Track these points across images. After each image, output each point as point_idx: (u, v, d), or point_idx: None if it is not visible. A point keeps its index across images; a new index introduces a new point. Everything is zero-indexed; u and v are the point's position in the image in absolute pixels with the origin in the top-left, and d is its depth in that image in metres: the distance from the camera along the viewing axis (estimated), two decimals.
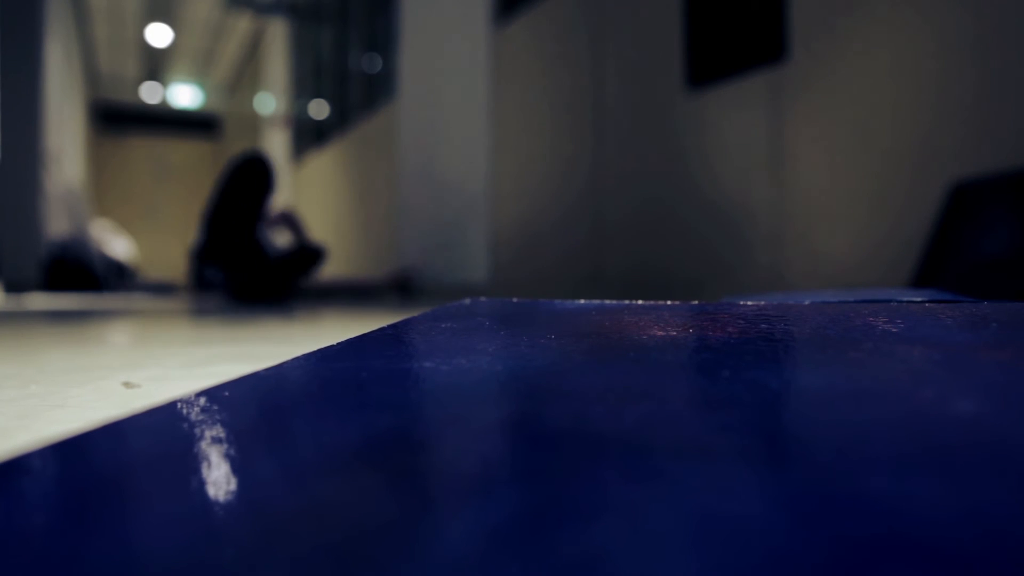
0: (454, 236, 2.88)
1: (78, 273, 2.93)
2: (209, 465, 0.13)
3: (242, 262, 2.16)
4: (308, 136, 5.16)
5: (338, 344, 0.27)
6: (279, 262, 2.20)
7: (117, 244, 3.84)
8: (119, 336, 0.81)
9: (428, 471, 0.13)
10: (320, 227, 4.76)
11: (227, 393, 0.20)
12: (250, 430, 0.16)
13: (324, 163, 4.73)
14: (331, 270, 4.40)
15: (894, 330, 0.26)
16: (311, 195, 5.03)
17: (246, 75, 7.12)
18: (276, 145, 5.86)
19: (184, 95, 8.30)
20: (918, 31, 1.26)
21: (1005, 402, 0.16)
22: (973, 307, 0.32)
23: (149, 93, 8.17)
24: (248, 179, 2.20)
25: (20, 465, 0.14)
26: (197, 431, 0.16)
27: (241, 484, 0.12)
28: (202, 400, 0.19)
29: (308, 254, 2.28)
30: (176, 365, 0.51)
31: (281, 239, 2.41)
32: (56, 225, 2.97)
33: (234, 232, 2.16)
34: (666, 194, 1.82)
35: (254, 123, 6.71)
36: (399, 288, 3.06)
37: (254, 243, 2.17)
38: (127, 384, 0.42)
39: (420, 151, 3.20)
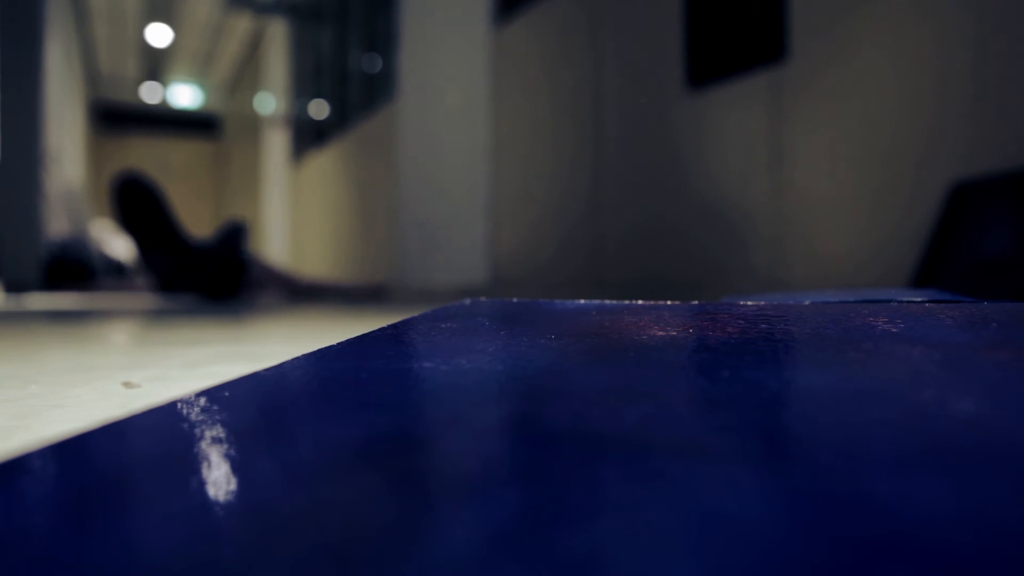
0: (454, 236, 2.88)
1: (78, 273, 2.93)
2: (209, 465, 0.13)
3: (173, 254, 2.20)
4: (308, 136, 5.16)
5: (338, 344, 0.27)
6: (211, 247, 2.23)
7: (117, 244, 3.84)
8: (119, 336, 0.80)
9: (428, 471, 0.13)
10: (319, 227, 4.76)
11: (227, 393, 0.20)
12: (250, 430, 0.16)
13: (324, 163, 4.74)
14: (330, 270, 4.40)
15: (894, 330, 0.26)
16: (310, 195, 5.03)
17: (246, 75, 7.13)
18: (276, 145, 5.86)
19: (184, 95, 8.30)
20: (918, 31, 1.26)
21: (1005, 402, 0.16)
22: (973, 307, 0.32)
23: (149, 93, 8.17)
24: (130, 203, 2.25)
25: (20, 465, 0.14)
26: (197, 431, 0.16)
27: (241, 484, 0.12)
28: (202, 400, 0.19)
29: (230, 235, 2.30)
30: (176, 365, 0.51)
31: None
32: (56, 225, 2.96)
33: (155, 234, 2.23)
34: (666, 194, 1.82)
35: (254, 123, 6.71)
36: (373, 295, 3.06)
37: (175, 236, 2.22)
38: (127, 384, 0.42)
39: (420, 151, 3.20)
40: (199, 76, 8.04)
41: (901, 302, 0.36)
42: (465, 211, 2.80)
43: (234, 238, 2.26)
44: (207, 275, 2.19)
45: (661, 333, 0.28)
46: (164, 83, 8.06)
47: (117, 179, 2.25)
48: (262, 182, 6.39)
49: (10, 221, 2.60)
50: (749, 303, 0.37)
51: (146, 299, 2.19)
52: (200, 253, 2.23)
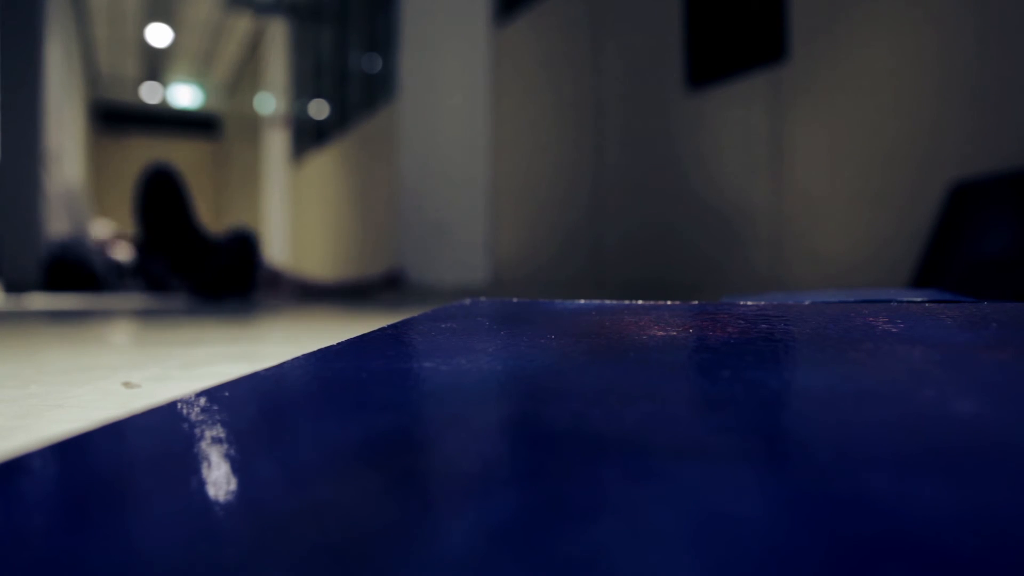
0: (454, 236, 2.88)
1: (78, 273, 2.93)
2: (209, 465, 0.13)
3: (186, 249, 2.19)
4: (308, 136, 5.16)
5: (338, 344, 0.27)
6: (224, 246, 2.23)
7: (117, 244, 3.83)
8: (119, 336, 0.81)
9: (428, 471, 0.13)
10: (319, 227, 4.76)
11: (227, 393, 0.20)
12: (250, 430, 0.16)
13: (324, 163, 4.74)
14: (330, 271, 4.40)
15: (894, 330, 0.26)
16: (311, 195, 5.03)
17: (246, 75, 7.13)
18: (276, 145, 5.86)
19: (184, 95, 8.30)
20: (919, 31, 1.26)
21: (1005, 402, 0.16)
22: (973, 307, 0.32)
23: (149, 93, 8.17)
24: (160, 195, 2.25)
25: (20, 465, 0.14)
26: (197, 431, 0.16)
27: (241, 484, 0.12)
28: (202, 400, 0.19)
29: (242, 241, 2.28)
30: (176, 365, 0.51)
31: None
32: (56, 225, 2.96)
33: (171, 225, 2.21)
34: (666, 194, 1.82)
35: (254, 123, 6.71)
36: (390, 284, 3.08)
37: (193, 230, 2.21)
38: (127, 384, 0.42)
39: (420, 151, 3.20)
40: (199, 76, 8.04)
41: (901, 302, 0.36)
42: (465, 211, 2.80)
43: (246, 248, 2.26)
44: (219, 271, 2.19)
45: (661, 333, 0.28)
46: (164, 83, 8.06)
47: (149, 169, 2.27)
48: (262, 182, 6.39)
49: (10, 221, 2.60)
50: (749, 303, 0.37)
51: (146, 299, 2.19)
52: (216, 249, 2.24)
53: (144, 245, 2.28)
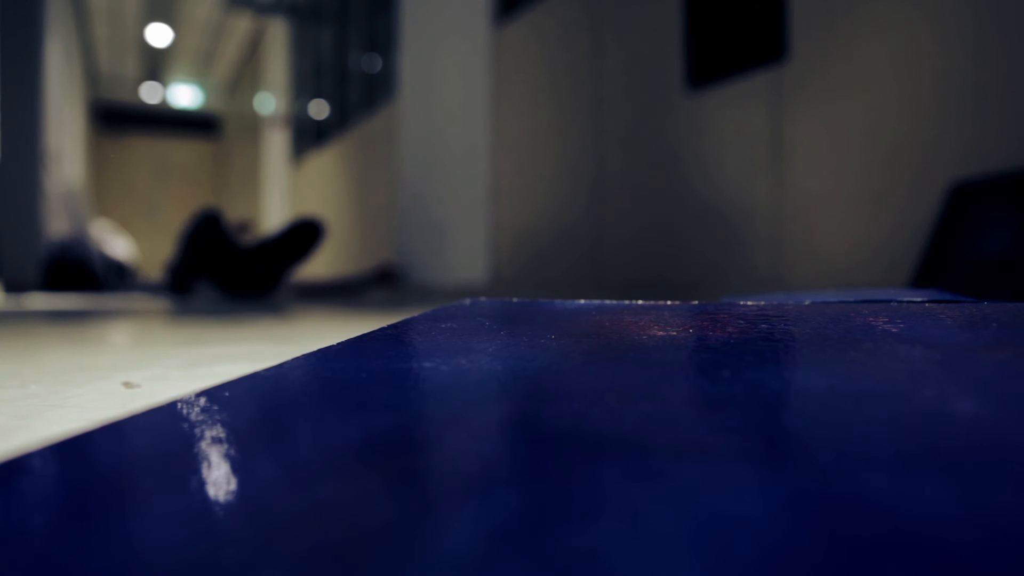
0: (454, 236, 2.88)
1: (78, 273, 2.93)
2: (209, 465, 0.13)
3: (223, 262, 2.18)
4: (308, 136, 5.16)
5: (338, 344, 0.27)
6: (267, 246, 2.21)
7: (117, 244, 3.83)
8: (119, 336, 0.80)
9: (428, 471, 0.13)
10: None
11: (227, 393, 0.20)
12: (250, 430, 0.16)
13: (324, 163, 4.74)
14: (328, 270, 4.40)
15: (894, 330, 0.26)
16: (311, 195, 5.03)
17: (246, 75, 7.13)
18: (276, 145, 5.86)
19: (184, 95, 8.31)
20: (919, 31, 1.26)
21: (1005, 402, 0.16)
22: (973, 307, 0.32)
23: (149, 93, 8.18)
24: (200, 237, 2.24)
25: (20, 465, 0.14)
26: (197, 431, 0.16)
27: (241, 484, 0.12)
28: (202, 400, 0.19)
29: (305, 230, 2.25)
30: (176, 365, 0.51)
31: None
32: (56, 225, 2.96)
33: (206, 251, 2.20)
34: (665, 194, 1.82)
35: (254, 123, 6.71)
36: (383, 279, 3.07)
37: (225, 242, 2.19)
38: (127, 384, 0.42)
39: (420, 151, 3.20)
40: (199, 76, 8.04)
41: (901, 302, 0.36)
42: (465, 211, 2.80)
43: (305, 241, 2.22)
44: (256, 270, 2.18)
45: (661, 333, 0.28)
46: (164, 83, 8.07)
47: (197, 215, 2.27)
48: (262, 182, 6.39)
49: (10, 221, 2.60)
50: (749, 303, 0.37)
51: (147, 300, 2.19)
52: (257, 251, 2.22)
53: (186, 268, 2.27)
